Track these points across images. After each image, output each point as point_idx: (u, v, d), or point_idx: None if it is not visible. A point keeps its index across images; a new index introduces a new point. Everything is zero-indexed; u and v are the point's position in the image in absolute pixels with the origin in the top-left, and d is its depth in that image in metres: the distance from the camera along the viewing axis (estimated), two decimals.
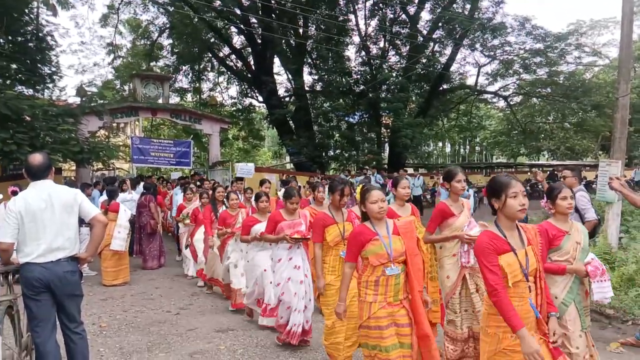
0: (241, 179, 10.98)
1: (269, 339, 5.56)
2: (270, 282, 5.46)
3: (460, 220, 4.40)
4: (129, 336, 5.78)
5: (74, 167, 17.08)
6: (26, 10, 13.15)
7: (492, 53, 25.76)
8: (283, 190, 8.27)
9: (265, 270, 5.59)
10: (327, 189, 5.77)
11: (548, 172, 25.73)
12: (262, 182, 8.45)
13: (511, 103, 30.53)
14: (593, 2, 79.06)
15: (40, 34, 13.62)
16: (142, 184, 12.13)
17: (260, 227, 5.65)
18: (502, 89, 28.94)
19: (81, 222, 4.16)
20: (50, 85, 14.40)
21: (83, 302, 4.20)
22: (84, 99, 15.42)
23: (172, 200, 12.32)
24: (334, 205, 4.79)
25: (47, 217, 3.85)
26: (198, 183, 12.14)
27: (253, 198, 6.70)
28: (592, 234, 5.56)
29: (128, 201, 10.59)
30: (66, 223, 3.95)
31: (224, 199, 7.75)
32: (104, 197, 9.36)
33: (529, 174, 29.91)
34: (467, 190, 11.40)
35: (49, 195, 3.90)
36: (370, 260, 3.48)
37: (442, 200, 4.77)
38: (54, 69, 14.08)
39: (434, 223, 4.49)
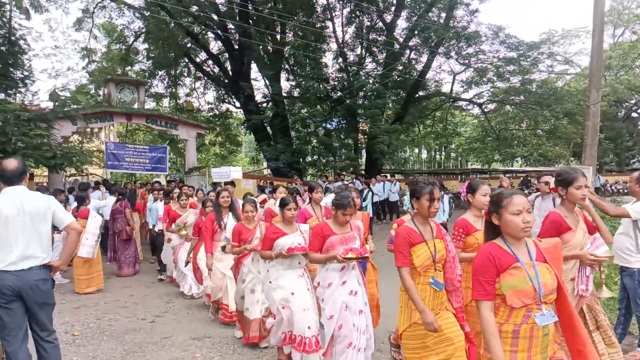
0: (231, 183, 10.92)
1: (245, 347, 5.53)
2: (304, 309, 4.46)
3: (578, 236, 3.59)
4: (102, 345, 5.68)
5: (46, 173, 16.75)
6: None
7: (466, 61, 26.18)
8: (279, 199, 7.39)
9: (293, 293, 4.55)
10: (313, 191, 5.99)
11: (521, 178, 26.16)
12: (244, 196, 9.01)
13: (485, 110, 31.03)
14: (565, 12, 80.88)
15: (12, 38, 13.36)
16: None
17: (286, 241, 4.62)
18: (476, 97, 29.42)
19: (53, 228, 4.08)
20: (23, 90, 14.10)
21: (55, 310, 4.13)
22: (57, 103, 15.14)
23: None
24: (421, 216, 3.61)
25: (19, 224, 3.78)
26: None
27: (277, 204, 5.58)
28: None
29: (102, 207, 10.44)
30: (39, 230, 3.88)
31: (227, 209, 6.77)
32: (75, 203, 9.19)
33: (501, 179, 30.27)
34: (442, 195, 11.53)
35: (22, 202, 3.83)
36: (508, 298, 2.54)
37: (555, 209, 3.85)
38: (26, 73, 13.80)
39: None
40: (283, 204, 4.81)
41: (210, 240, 6.36)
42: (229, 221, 6.29)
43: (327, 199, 8.39)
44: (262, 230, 5.54)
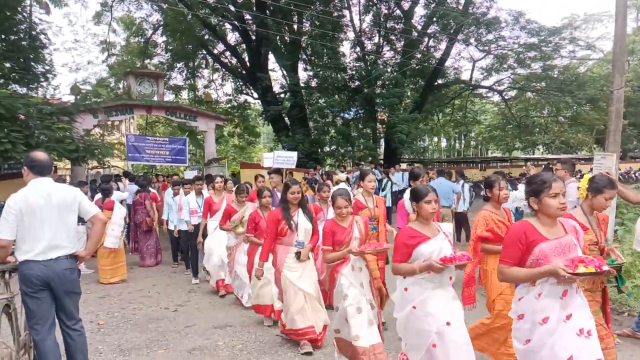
0: (279, 170, 9.62)
1: (267, 335, 5.57)
2: (464, 345, 3.38)
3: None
4: (127, 333, 5.78)
5: (68, 166, 17.01)
6: (19, 9, 13.08)
7: (486, 48, 25.83)
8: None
9: (448, 323, 3.37)
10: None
11: (543, 166, 25.81)
12: (256, 177, 8.96)
13: (506, 97, 30.64)
14: None
15: (33, 32, 13.54)
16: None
17: (432, 247, 3.45)
18: (496, 84, 29.04)
19: (78, 219, 4.15)
20: (44, 84, 14.32)
21: (80, 300, 4.20)
22: (78, 97, 15.33)
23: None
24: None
25: (46, 215, 3.85)
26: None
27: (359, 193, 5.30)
28: None
29: (125, 198, 10.57)
30: (66, 221, 3.95)
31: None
32: (99, 195, 9.31)
33: (523, 168, 29.96)
34: (462, 184, 11.44)
35: (49, 193, 3.90)
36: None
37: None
38: (47, 67, 14.00)
39: None
40: (418, 197, 3.56)
41: (271, 244, 5.09)
42: (300, 220, 5.08)
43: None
44: (360, 227, 4.54)
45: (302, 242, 5.02)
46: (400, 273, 3.52)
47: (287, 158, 11.72)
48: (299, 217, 5.10)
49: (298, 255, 4.96)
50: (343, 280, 4.38)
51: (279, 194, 6.45)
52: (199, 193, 8.64)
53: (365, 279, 4.43)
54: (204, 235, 7.90)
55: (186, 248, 9.12)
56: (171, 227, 9.64)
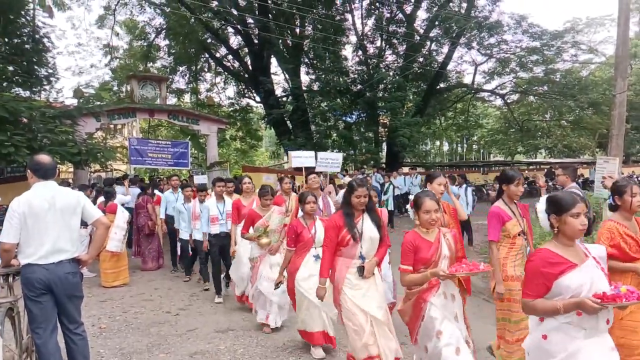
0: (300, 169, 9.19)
1: (269, 339, 5.57)
2: None
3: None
4: (128, 337, 5.78)
5: (71, 169, 17.04)
6: (22, 12, 13.13)
7: (488, 51, 25.82)
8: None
9: None
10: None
11: (545, 170, 25.79)
12: (281, 179, 8.43)
13: (508, 101, 30.60)
14: (589, 0, 79.17)
15: (36, 36, 13.59)
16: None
17: (581, 279, 2.58)
18: (499, 87, 29.01)
19: (80, 223, 4.16)
20: (47, 87, 14.38)
21: (82, 303, 4.20)
22: (81, 100, 15.37)
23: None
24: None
25: (50, 219, 3.85)
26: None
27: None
28: (589, 231, 5.68)
29: (126, 202, 10.58)
30: (69, 225, 3.95)
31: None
32: (102, 198, 9.33)
33: (526, 172, 29.96)
34: (465, 188, 11.42)
35: (53, 196, 3.90)
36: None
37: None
38: (50, 71, 14.06)
39: None
40: (561, 208, 2.71)
41: (332, 257, 4.26)
42: (366, 227, 4.22)
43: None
44: (449, 242, 3.68)
45: (366, 255, 4.21)
46: (537, 313, 2.68)
47: (333, 161, 10.74)
48: (364, 223, 4.24)
49: (361, 270, 4.14)
50: (434, 313, 3.52)
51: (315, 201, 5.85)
52: (219, 197, 7.51)
53: (459, 309, 3.68)
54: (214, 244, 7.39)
55: (204, 259, 8.11)
56: (184, 235, 8.84)
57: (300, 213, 5.47)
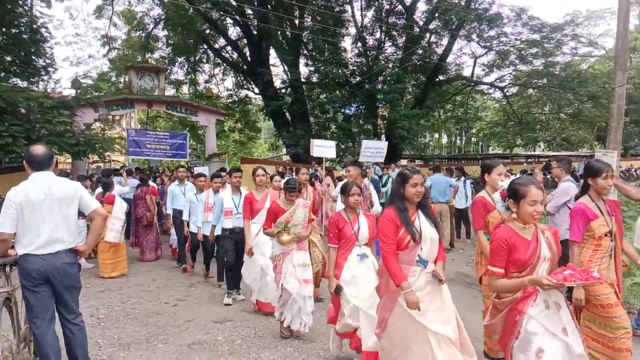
0: (356, 162, 8.46)
1: (267, 329, 5.58)
2: None
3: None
4: (127, 327, 5.78)
5: (69, 160, 17.03)
6: (20, 2, 13.06)
7: (488, 44, 25.79)
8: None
9: None
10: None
11: (544, 163, 25.82)
12: (298, 170, 8.69)
13: (507, 94, 30.60)
14: None
15: (34, 26, 13.53)
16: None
17: None
18: (498, 80, 29.00)
19: (78, 214, 4.15)
20: (45, 78, 14.35)
21: (81, 294, 4.20)
22: (79, 91, 15.34)
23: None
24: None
25: (46, 209, 3.84)
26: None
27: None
28: None
29: (125, 193, 10.55)
30: (66, 215, 3.94)
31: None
32: (100, 189, 9.31)
33: (524, 165, 30.00)
34: (463, 181, 11.42)
35: (49, 187, 3.89)
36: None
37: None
38: (48, 61, 14.02)
39: None
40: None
41: (396, 257, 3.47)
42: (424, 226, 3.51)
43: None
44: (549, 242, 3.07)
45: (426, 259, 3.48)
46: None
47: (377, 150, 9.84)
48: (421, 221, 3.53)
49: (432, 277, 3.43)
50: (533, 327, 2.91)
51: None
52: (236, 189, 6.91)
53: (567, 320, 2.95)
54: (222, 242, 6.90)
55: (210, 253, 7.99)
56: (193, 228, 8.30)
57: (338, 206, 5.40)
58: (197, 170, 12.70)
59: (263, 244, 6.00)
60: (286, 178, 6.24)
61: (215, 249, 7.83)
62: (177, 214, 9.09)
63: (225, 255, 6.90)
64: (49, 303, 3.89)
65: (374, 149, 9.96)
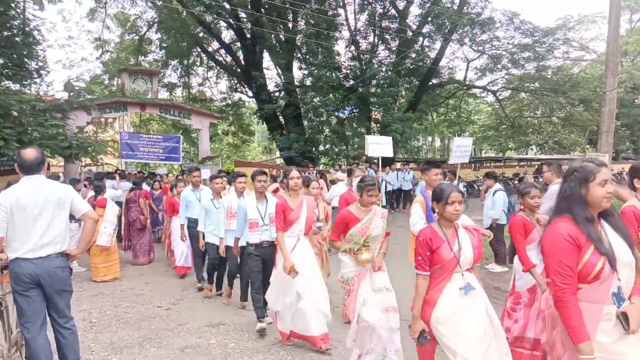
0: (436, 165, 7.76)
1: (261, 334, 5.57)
2: None
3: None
4: (119, 331, 5.76)
5: (61, 163, 16.94)
6: (12, 4, 12.99)
7: (481, 48, 25.94)
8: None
9: None
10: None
11: (536, 166, 25.94)
12: (350, 171, 8.09)
13: (500, 97, 30.78)
14: None
15: (26, 29, 13.44)
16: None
17: None
18: (490, 84, 29.16)
19: (70, 217, 4.13)
20: (38, 80, 14.24)
21: (73, 298, 4.19)
22: (71, 93, 15.25)
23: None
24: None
25: (37, 213, 3.83)
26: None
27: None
28: None
29: (116, 196, 10.52)
30: (57, 219, 3.93)
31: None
32: (92, 192, 9.27)
33: (517, 168, 30.14)
34: (456, 184, 11.48)
35: (40, 190, 3.88)
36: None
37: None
38: (41, 64, 13.91)
39: None
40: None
41: (576, 300, 2.46)
42: (614, 243, 2.55)
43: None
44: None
45: (623, 295, 2.47)
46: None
47: (465, 149, 8.92)
48: (610, 237, 2.55)
49: (625, 318, 2.40)
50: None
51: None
52: (261, 196, 5.84)
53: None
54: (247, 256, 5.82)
55: (235, 271, 6.80)
56: (213, 239, 7.04)
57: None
58: (205, 174, 11.67)
59: (298, 261, 5.04)
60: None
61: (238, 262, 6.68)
62: (192, 223, 7.74)
63: (251, 276, 5.79)
64: (41, 307, 3.87)
65: (463, 148, 8.94)
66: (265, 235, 5.64)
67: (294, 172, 5.34)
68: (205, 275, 7.60)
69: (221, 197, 7.08)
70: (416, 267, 3.35)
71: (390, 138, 9.71)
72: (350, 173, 6.72)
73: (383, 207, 14.58)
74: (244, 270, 6.38)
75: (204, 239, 7.20)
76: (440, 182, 4.75)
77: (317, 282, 5.06)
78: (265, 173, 6.17)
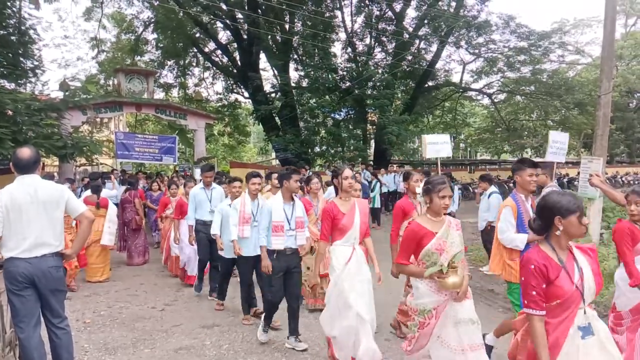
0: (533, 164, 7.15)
1: (254, 334, 5.56)
2: None
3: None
4: (113, 332, 5.75)
5: (56, 163, 16.91)
6: (8, 3, 12.95)
7: (477, 51, 26.00)
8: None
9: None
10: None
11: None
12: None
13: (495, 100, 30.86)
14: (577, 1, 79.90)
15: (22, 28, 13.42)
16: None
17: None
18: (486, 87, 29.25)
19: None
20: (33, 80, 14.21)
21: (67, 298, 4.18)
22: (67, 93, 15.23)
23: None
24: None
25: (32, 212, 3.82)
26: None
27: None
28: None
29: (112, 196, 10.50)
30: (52, 219, 3.92)
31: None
32: (88, 192, 9.22)
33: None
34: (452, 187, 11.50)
35: (36, 190, 3.87)
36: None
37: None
38: (36, 63, 13.89)
39: None
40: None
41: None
42: None
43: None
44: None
45: None
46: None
47: (561, 145, 8.17)
48: None
49: None
50: None
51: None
52: (288, 197, 5.13)
53: None
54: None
55: (247, 286, 6.01)
56: (229, 253, 6.10)
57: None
58: (197, 175, 11.37)
59: (356, 277, 4.29)
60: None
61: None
62: (201, 225, 7.08)
63: (269, 293, 5.11)
64: (35, 307, 3.86)
65: (559, 144, 8.04)
66: (290, 241, 5.02)
67: (347, 171, 4.50)
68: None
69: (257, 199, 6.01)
70: (527, 306, 2.56)
71: (448, 136, 9.03)
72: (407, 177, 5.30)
73: (377, 208, 14.67)
74: (264, 287, 5.48)
75: (220, 240, 6.27)
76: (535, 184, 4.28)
77: (372, 299, 4.37)
78: (259, 175, 5.99)
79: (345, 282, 4.23)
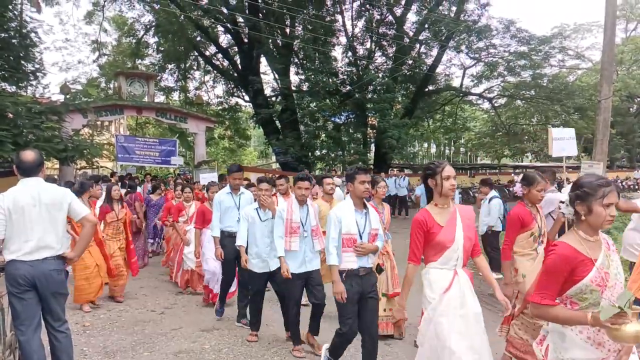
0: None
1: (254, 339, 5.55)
2: None
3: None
4: (112, 335, 5.74)
5: (57, 166, 16.91)
6: (9, 7, 12.98)
7: (477, 55, 26.05)
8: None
9: None
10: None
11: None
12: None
13: (495, 105, 30.91)
14: (577, 6, 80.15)
15: (23, 31, 13.44)
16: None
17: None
18: (486, 91, 29.28)
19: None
20: (34, 82, 14.23)
21: (67, 301, 4.17)
22: (68, 96, 15.24)
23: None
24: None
25: (35, 215, 3.82)
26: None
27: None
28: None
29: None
30: (55, 221, 3.92)
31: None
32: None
33: (512, 175, 30.22)
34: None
35: (38, 192, 3.87)
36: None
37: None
38: (37, 66, 13.90)
39: None
40: None
41: None
42: None
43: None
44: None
45: None
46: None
47: (569, 141, 7.81)
48: None
49: None
50: None
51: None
52: (361, 204, 4.18)
53: None
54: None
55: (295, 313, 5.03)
56: (259, 266, 5.42)
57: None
58: (202, 181, 11.01)
59: (459, 310, 3.27)
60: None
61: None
62: (227, 238, 6.03)
63: (344, 326, 4.07)
64: (35, 310, 3.85)
65: (565, 139, 7.62)
66: (364, 260, 4.05)
67: (449, 169, 3.40)
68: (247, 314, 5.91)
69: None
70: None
71: (573, 130, 8.21)
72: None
73: None
74: (289, 305, 5.02)
75: (246, 254, 5.52)
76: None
77: (484, 343, 3.28)
78: (308, 178, 5.14)
79: (442, 318, 3.22)
